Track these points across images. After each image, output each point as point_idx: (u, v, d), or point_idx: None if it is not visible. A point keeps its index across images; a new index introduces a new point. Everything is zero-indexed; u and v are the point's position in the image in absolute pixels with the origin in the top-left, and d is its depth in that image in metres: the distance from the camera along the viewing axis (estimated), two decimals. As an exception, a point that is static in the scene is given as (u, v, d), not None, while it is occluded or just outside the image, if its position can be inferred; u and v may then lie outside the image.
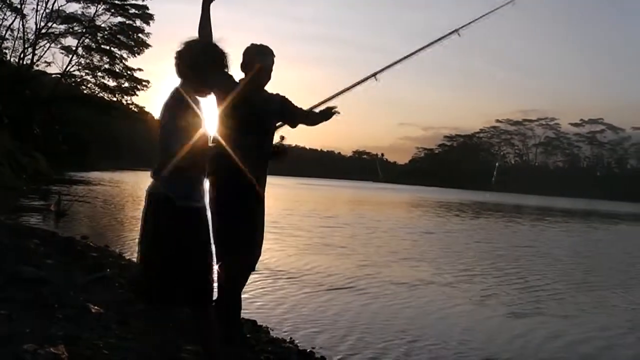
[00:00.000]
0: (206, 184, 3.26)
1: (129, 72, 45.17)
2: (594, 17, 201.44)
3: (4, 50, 39.64)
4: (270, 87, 4.41)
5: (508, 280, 9.32)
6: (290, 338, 5.04)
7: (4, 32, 38.88)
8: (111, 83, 45.27)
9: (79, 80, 45.14)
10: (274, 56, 4.31)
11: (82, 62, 43.89)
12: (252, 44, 4.24)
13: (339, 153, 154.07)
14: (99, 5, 41.83)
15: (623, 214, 41.90)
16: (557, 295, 8.40)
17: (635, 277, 10.96)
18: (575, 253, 14.43)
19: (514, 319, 6.72)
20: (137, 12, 42.72)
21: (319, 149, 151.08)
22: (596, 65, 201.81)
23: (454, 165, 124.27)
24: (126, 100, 46.16)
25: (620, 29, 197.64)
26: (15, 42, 39.63)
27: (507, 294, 8.17)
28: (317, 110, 4.56)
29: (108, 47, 44.32)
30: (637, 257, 14.39)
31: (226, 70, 3.23)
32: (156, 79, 54.12)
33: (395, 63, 5.02)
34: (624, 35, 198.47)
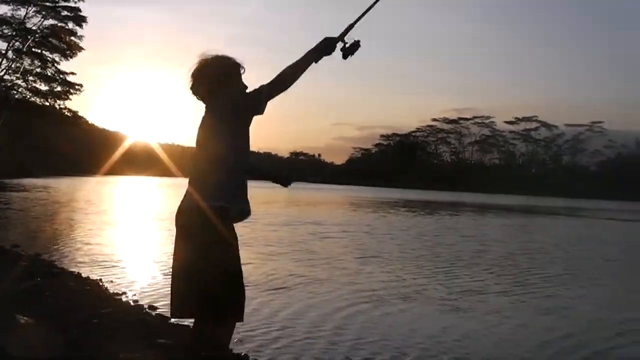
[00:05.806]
0: None
1: (61, 76, 44.07)
2: (520, 14, 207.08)
3: None
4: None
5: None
6: None
7: None
8: (43, 87, 44.15)
9: (9, 84, 43.74)
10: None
11: (13, 66, 42.61)
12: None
13: (277, 154, 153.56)
14: (30, 8, 40.66)
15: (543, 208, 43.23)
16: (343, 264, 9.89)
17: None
18: (411, 235, 15.94)
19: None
20: (69, 14, 41.71)
21: (257, 151, 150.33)
22: (525, 62, 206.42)
23: (390, 164, 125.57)
24: (59, 105, 44.98)
25: (546, 25, 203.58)
26: (-61, 46, 38.14)
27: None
28: None
29: (39, 51, 43.16)
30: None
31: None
32: (90, 83, 53.04)
33: None
34: (550, 32, 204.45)
